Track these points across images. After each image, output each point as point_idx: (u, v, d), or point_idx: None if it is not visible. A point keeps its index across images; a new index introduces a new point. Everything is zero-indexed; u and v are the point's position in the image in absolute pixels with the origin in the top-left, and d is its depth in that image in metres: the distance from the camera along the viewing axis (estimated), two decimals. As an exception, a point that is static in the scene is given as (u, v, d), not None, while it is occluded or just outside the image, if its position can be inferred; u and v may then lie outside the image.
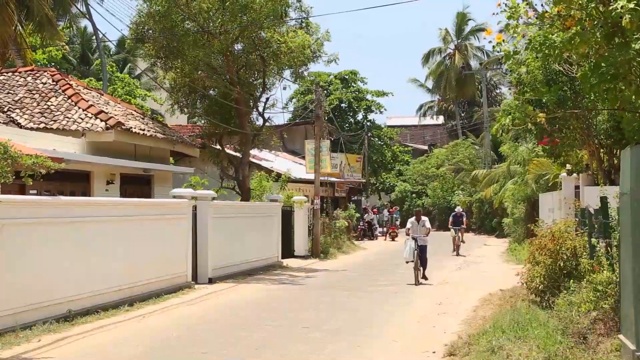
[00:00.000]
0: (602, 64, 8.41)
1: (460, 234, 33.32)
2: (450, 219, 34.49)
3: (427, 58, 71.05)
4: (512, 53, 10.62)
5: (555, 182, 26.58)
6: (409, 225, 21.38)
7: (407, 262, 21.01)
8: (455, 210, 36.05)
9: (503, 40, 10.29)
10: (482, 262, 27.80)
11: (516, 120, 15.71)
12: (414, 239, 20.80)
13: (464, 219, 34.76)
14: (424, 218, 21.57)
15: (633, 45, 7.78)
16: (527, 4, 9.68)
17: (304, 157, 41.06)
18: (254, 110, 28.42)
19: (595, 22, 8.48)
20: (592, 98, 12.43)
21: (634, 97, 8.91)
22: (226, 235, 21.78)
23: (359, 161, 53.86)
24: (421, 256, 20.79)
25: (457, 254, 31.83)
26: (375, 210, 52.68)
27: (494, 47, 10.30)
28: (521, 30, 9.94)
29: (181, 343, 11.90)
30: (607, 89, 9.06)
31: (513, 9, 9.69)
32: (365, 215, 48.86)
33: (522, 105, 15.59)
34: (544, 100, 15.42)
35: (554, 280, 13.52)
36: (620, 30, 8.20)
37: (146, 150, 24.64)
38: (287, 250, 29.25)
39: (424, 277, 20.99)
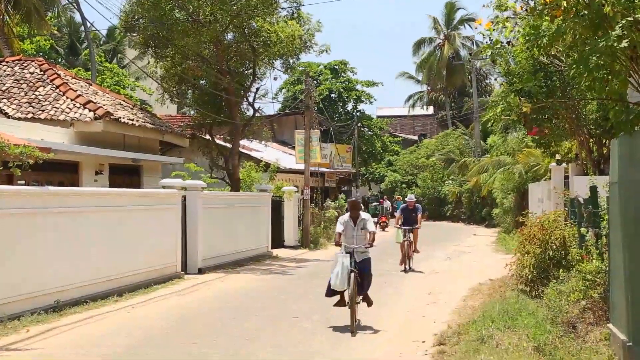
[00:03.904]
0: (588, 53, 8.40)
1: (412, 238, 21.34)
2: (398, 213, 22.56)
3: (417, 47, 71.05)
4: (494, 42, 10.62)
5: (544, 172, 26.68)
6: (340, 227, 12.73)
7: (336, 292, 12.55)
8: (407, 200, 22.94)
9: (493, 30, 10.30)
10: (471, 252, 27.85)
11: (505, 111, 15.80)
12: (349, 252, 12.37)
13: (419, 215, 22.06)
14: (364, 215, 12.85)
15: (613, 32, 7.77)
16: None
17: (294, 148, 41.05)
18: (244, 100, 28.35)
19: (580, 12, 8.47)
20: (581, 88, 12.46)
21: (618, 87, 8.90)
22: (216, 225, 21.73)
23: (348, 151, 53.90)
24: (361, 280, 12.40)
25: (407, 269, 20.93)
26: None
27: (483, 36, 10.32)
28: (510, 24, 9.97)
29: (171, 333, 11.86)
30: (593, 79, 9.07)
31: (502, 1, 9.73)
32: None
33: (507, 95, 15.64)
34: (531, 90, 15.47)
35: (543, 270, 13.56)
36: (605, 19, 8.19)
37: (135, 141, 24.56)
38: (277, 240, 29.23)
39: (367, 301, 12.76)
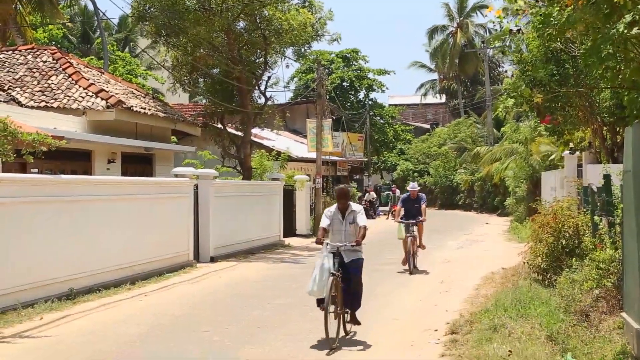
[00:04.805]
0: (599, 42, 8.34)
1: (416, 234, 18.47)
2: (399, 204, 19.35)
3: (431, 34, 70.90)
4: (504, 31, 10.54)
5: (558, 160, 26.56)
6: (325, 221, 10.83)
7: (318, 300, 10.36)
8: (409, 189, 19.44)
9: (503, 17, 10.24)
10: (483, 241, 27.77)
11: (518, 100, 15.70)
12: (333, 252, 10.34)
13: (423, 205, 18.96)
14: (354, 207, 10.98)
15: (624, 19, 7.69)
16: None
17: (305, 136, 41.04)
18: (256, 89, 28.33)
19: (591, 1, 8.40)
20: (594, 76, 12.38)
21: (629, 74, 8.83)
22: (228, 214, 21.76)
23: (360, 140, 53.83)
24: (347, 287, 10.46)
25: (413, 268, 18.03)
26: (370, 189, 52.46)
27: (493, 23, 10.26)
28: (522, 10, 9.90)
29: (183, 321, 11.90)
30: (605, 68, 9.00)
31: None
32: (367, 194, 48.92)
33: (518, 85, 15.51)
34: (543, 79, 15.35)
35: (556, 259, 13.50)
36: (616, 8, 8.12)
37: (147, 129, 24.61)
38: (289, 229, 29.26)
39: (353, 321, 10.83)
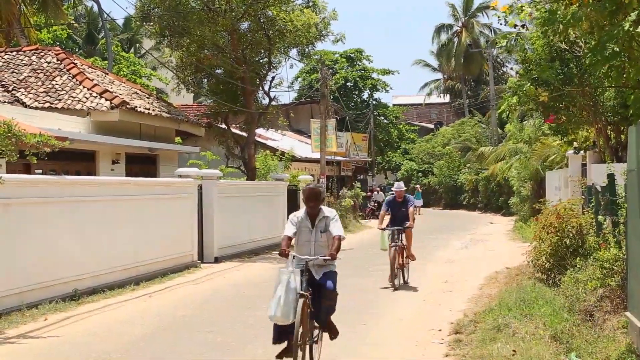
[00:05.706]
0: (604, 40, 8.32)
1: (403, 243, 15.57)
2: (383, 208, 16.03)
3: (438, 33, 70.95)
4: (509, 24, 10.53)
5: (560, 159, 26.55)
6: (290, 229, 8.58)
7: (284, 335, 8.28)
8: (393, 189, 16.34)
9: (509, 13, 10.23)
10: (488, 241, 27.74)
11: (523, 99, 15.70)
12: (301, 267, 8.36)
13: (411, 208, 15.82)
14: (327, 212, 8.78)
15: (629, 17, 7.68)
16: None
17: (309, 136, 41.07)
18: (260, 89, 28.35)
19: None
20: (598, 75, 12.36)
21: (633, 73, 8.81)
22: (232, 214, 21.77)
23: (364, 140, 53.83)
24: (319, 299, 8.48)
25: (399, 284, 15.35)
26: (375, 188, 52.35)
27: (498, 18, 10.24)
28: (526, 8, 9.90)
29: (187, 322, 11.91)
30: (610, 67, 8.99)
31: None
32: (375, 194, 48.75)
33: (523, 84, 15.50)
34: (548, 78, 15.34)
35: (560, 258, 13.49)
36: (622, 6, 8.11)
37: (151, 130, 24.64)
38: (293, 229, 29.13)
39: (328, 330, 8.89)
